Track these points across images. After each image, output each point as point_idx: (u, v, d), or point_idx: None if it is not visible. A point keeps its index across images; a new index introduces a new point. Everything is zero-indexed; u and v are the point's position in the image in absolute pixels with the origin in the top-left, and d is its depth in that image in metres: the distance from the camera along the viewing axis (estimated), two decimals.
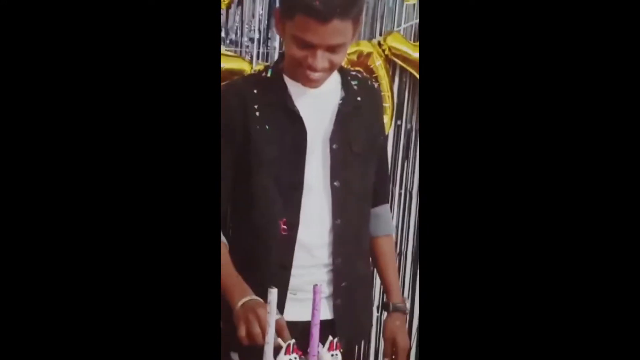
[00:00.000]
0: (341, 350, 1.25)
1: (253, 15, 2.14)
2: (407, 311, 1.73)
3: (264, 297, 1.21)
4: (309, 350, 1.19)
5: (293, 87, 1.50)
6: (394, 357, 1.61)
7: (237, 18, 2.14)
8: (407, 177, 2.48)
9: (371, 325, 1.80)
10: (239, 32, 2.15)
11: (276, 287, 1.16)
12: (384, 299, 1.67)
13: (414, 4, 2.34)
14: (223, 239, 1.48)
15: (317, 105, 1.51)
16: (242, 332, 1.32)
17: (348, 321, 1.55)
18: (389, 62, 2.32)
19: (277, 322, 1.24)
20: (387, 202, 1.73)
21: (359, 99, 1.56)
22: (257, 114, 1.48)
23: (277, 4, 1.70)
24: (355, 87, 1.56)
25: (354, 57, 2.23)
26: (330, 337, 1.26)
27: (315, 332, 1.17)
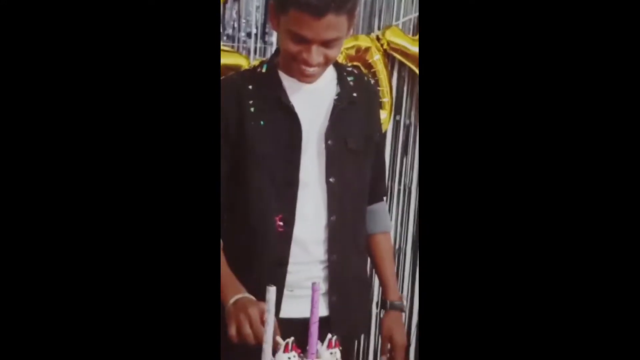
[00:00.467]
0: (340, 348, 1.25)
1: (250, 10, 2.13)
2: (405, 309, 1.72)
3: (261, 294, 1.20)
4: (307, 348, 1.18)
5: (288, 82, 1.49)
6: (390, 354, 1.61)
7: (234, 13, 2.13)
8: (406, 173, 2.48)
9: (369, 322, 1.79)
10: (235, 26, 2.14)
11: (273, 284, 1.15)
12: (382, 297, 1.67)
13: None
14: None
15: (312, 100, 1.50)
16: (232, 330, 1.31)
17: (344, 318, 1.55)
18: (388, 57, 2.32)
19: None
20: (384, 200, 1.73)
21: (354, 95, 1.55)
22: (252, 109, 1.47)
23: None
24: (351, 83, 1.55)
25: (352, 52, 2.22)
26: (329, 335, 1.25)
27: (314, 330, 1.17)
